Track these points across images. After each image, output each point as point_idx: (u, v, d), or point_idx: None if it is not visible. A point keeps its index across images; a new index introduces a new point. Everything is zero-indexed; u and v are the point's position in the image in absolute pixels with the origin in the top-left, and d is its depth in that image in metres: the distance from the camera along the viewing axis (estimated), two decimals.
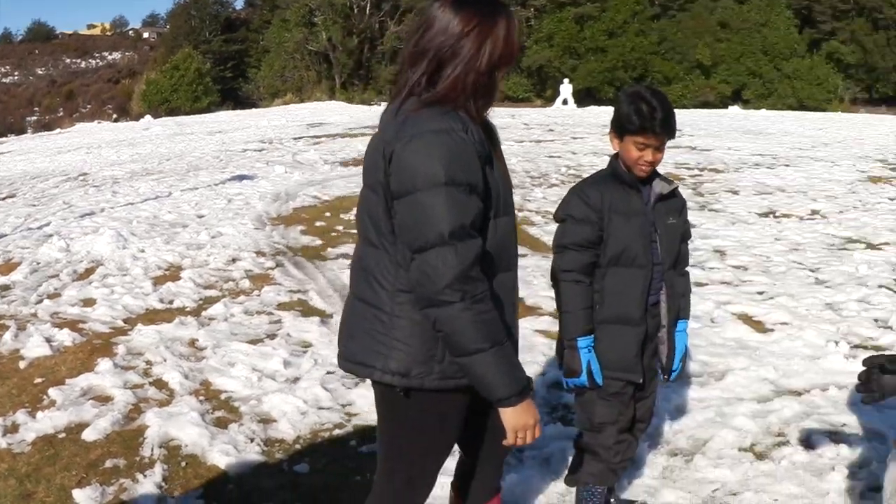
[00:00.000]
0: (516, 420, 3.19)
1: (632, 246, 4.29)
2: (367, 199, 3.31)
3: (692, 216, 14.04)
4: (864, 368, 3.90)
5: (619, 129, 4.30)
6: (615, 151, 4.42)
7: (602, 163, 18.90)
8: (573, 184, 4.56)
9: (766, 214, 15.42)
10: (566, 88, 55.83)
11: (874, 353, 6.55)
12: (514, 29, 3.19)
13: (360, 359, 3.34)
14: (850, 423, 6.29)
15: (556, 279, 4.39)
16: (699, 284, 9.63)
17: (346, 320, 3.47)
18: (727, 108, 57.77)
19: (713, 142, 27.27)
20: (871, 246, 12.93)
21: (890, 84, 69.29)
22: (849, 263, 11.51)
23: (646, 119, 4.17)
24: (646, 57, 70.26)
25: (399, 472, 3.52)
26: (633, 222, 4.30)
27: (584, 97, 61.63)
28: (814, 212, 15.64)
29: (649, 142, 4.20)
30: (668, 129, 4.22)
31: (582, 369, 4.30)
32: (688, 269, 4.69)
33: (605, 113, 37.45)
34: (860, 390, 3.90)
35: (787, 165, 22.03)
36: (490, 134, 3.29)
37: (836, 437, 6.02)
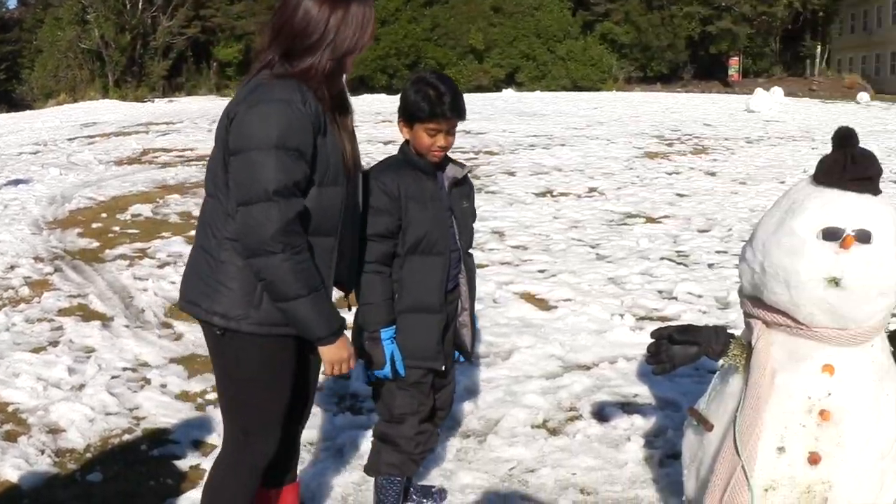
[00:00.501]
0: (333, 355, 3.56)
1: (431, 233, 4.24)
2: (212, 155, 3.58)
3: None
4: (652, 340, 3.96)
5: (409, 117, 4.21)
6: (405, 139, 4.30)
7: (377, 151, 19.19)
8: None
9: (543, 194, 15.69)
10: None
11: (660, 324, 6.69)
12: (369, 16, 3.50)
13: (190, 298, 3.64)
14: (642, 393, 6.41)
15: (358, 271, 4.20)
16: (480, 266, 9.67)
17: (187, 264, 3.75)
18: (501, 91, 58.66)
19: (488, 125, 27.60)
20: (650, 220, 13.31)
21: (664, 62, 71.70)
22: (629, 238, 11.81)
23: (434, 104, 4.11)
24: (419, 44, 70.75)
25: (234, 420, 3.75)
26: (430, 209, 4.24)
27: (358, 86, 61.63)
28: (592, 189, 16.01)
29: (440, 127, 4.14)
30: (457, 111, 4.18)
31: (386, 360, 4.22)
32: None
33: (378, 101, 37.68)
34: (650, 362, 3.96)
35: (563, 145, 22.53)
36: (343, 109, 3.64)
37: (628, 408, 6.12)
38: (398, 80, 66.94)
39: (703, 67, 73.07)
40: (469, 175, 4.53)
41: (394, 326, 4.25)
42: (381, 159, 4.41)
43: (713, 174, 18.46)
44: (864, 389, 3.62)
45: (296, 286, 3.34)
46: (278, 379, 3.67)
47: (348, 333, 3.70)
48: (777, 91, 41.42)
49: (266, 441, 3.74)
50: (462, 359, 4.73)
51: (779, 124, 30.46)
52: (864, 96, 52.22)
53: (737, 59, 73.53)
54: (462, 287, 4.52)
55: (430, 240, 4.25)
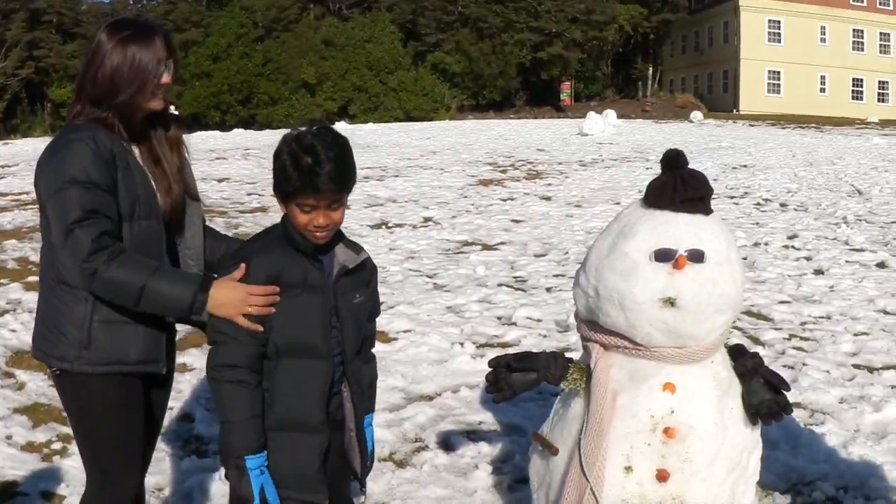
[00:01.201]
0: (227, 299, 3.36)
1: (308, 332, 3.46)
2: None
3: None
4: (490, 369, 3.97)
5: (281, 193, 3.43)
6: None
7: (212, 189, 18.93)
8: None
9: (378, 226, 15.66)
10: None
11: (501, 351, 6.73)
12: (154, 55, 3.49)
13: (36, 343, 3.65)
14: (487, 420, 6.43)
15: (212, 378, 3.44)
16: None
17: (36, 309, 3.74)
18: (334, 123, 58.61)
19: None
20: (486, 247, 13.42)
21: (496, 90, 72.40)
22: (466, 266, 11.87)
23: (306, 174, 3.32)
24: (251, 79, 70.25)
25: (91, 460, 3.69)
26: (309, 301, 3.46)
27: (192, 123, 60.82)
28: (427, 219, 16.07)
29: (318, 201, 3.36)
30: (339, 183, 3.40)
31: (254, 496, 3.40)
32: (374, 350, 3.88)
33: (212, 138, 37.15)
34: (490, 391, 3.96)
35: (398, 176, 22.56)
36: (173, 147, 3.72)
37: (474, 435, 6.14)
38: (231, 116, 66.46)
39: (536, 93, 74.12)
40: (369, 260, 3.73)
41: (264, 453, 3.44)
42: (256, 232, 3.73)
43: (548, 199, 18.75)
44: (708, 405, 3.67)
45: (134, 279, 3.35)
46: (124, 417, 3.63)
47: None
48: (610, 113, 42.23)
49: (125, 478, 3.70)
50: (356, 486, 3.89)
51: (612, 146, 31.11)
52: (697, 115, 53.73)
53: (569, 83, 74.73)
54: (346, 403, 3.67)
55: (305, 340, 3.46)
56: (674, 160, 3.70)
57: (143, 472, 3.96)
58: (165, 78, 3.52)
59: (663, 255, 3.51)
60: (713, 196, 3.76)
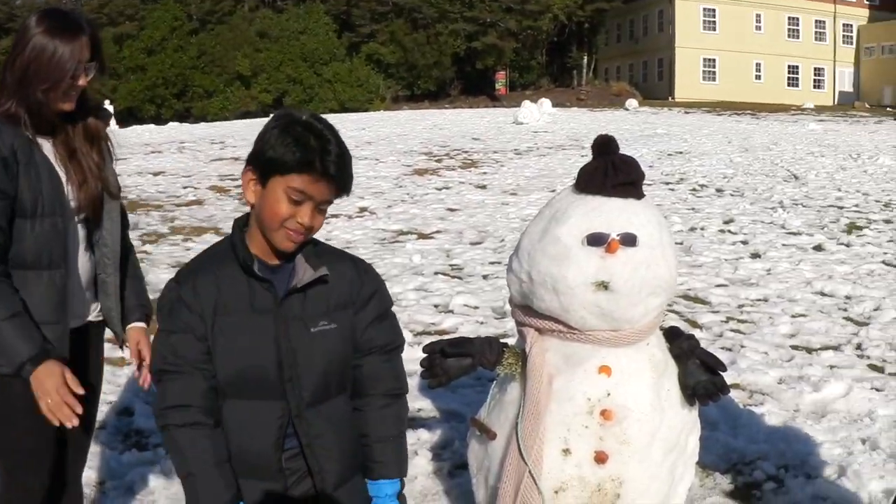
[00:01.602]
0: (43, 386, 3.11)
1: (253, 366, 2.87)
2: None
3: None
4: (425, 355, 3.98)
5: (267, 165, 2.78)
6: (250, 206, 2.92)
7: (147, 183, 18.77)
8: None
9: None
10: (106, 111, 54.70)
11: (437, 338, 6.73)
12: (67, 52, 3.30)
13: None
14: (425, 407, 6.42)
15: (162, 426, 2.92)
16: None
17: None
18: (269, 116, 58.32)
19: None
20: (422, 236, 13.43)
21: (431, 80, 72.54)
22: (402, 255, 11.87)
23: (312, 152, 2.74)
24: (185, 72, 69.89)
25: None
26: (255, 329, 2.87)
27: (127, 117, 60.31)
28: (362, 209, 16.03)
29: (313, 191, 2.79)
30: (344, 176, 2.85)
31: None
32: (402, 390, 3.16)
33: (148, 131, 36.78)
34: (425, 377, 3.97)
35: None
36: (94, 140, 3.56)
37: (413, 423, 6.12)
38: (166, 109, 66.01)
39: (471, 83, 74.26)
40: (364, 273, 3.09)
41: None
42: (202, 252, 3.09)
43: (483, 187, 18.80)
44: (644, 387, 3.70)
45: None
46: (20, 416, 3.41)
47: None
48: (545, 102, 42.34)
49: (30, 478, 3.57)
50: None
51: (547, 135, 31.19)
52: (632, 103, 54.19)
53: (503, 73, 75.04)
54: (307, 458, 2.98)
55: (250, 376, 2.87)
56: (605, 145, 3.71)
57: (77, 466, 3.90)
58: (82, 80, 3.37)
59: (595, 240, 3.53)
60: (648, 182, 3.79)
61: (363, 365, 3.04)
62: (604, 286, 3.52)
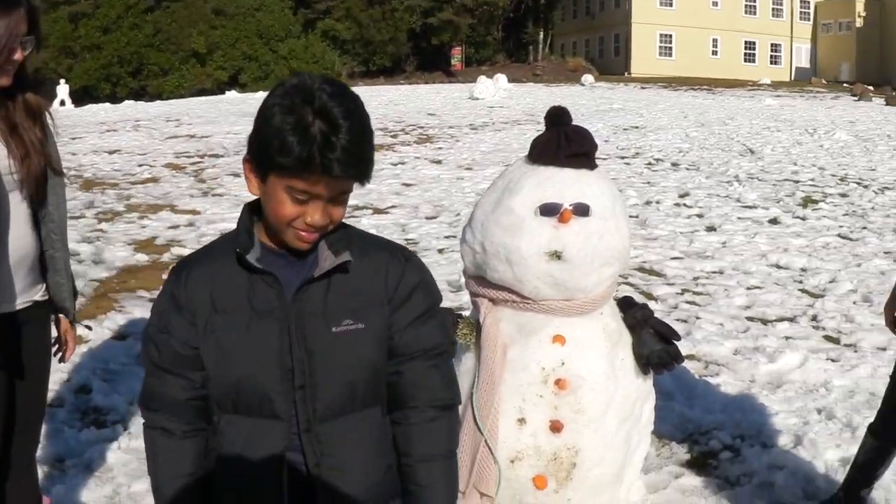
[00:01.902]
0: None
1: (254, 377, 2.33)
2: None
3: (198, 203, 13.84)
4: None
5: (262, 159, 2.23)
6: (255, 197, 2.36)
7: (103, 161, 18.63)
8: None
9: None
10: (63, 89, 54.03)
11: None
12: (1, 25, 3.16)
13: None
14: None
15: (143, 422, 2.51)
16: None
17: None
18: (224, 93, 58.09)
19: (211, 128, 27.02)
20: (378, 211, 13.42)
21: (387, 56, 72.25)
22: None
23: (313, 147, 2.13)
24: (141, 50, 69.22)
25: None
26: (257, 333, 2.32)
27: (83, 96, 59.85)
28: None
29: (319, 190, 2.20)
30: (358, 167, 2.24)
31: None
32: (454, 401, 2.52)
33: (103, 110, 36.42)
34: None
35: None
36: (36, 116, 3.47)
37: None
38: (122, 87, 65.44)
39: (426, 59, 74.07)
40: (404, 260, 2.46)
41: None
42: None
43: (439, 162, 18.77)
44: (598, 356, 3.74)
45: None
46: None
47: None
48: (501, 78, 42.37)
49: None
50: None
51: (503, 110, 31.18)
52: (588, 78, 54.21)
53: (459, 48, 74.87)
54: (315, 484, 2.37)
55: (245, 389, 2.34)
56: (558, 117, 3.73)
57: (29, 446, 3.81)
58: (18, 54, 3.23)
59: (548, 210, 3.55)
60: (604, 156, 3.81)
61: (404, 372, 2.45)
62: (557, 256, 3.54)
